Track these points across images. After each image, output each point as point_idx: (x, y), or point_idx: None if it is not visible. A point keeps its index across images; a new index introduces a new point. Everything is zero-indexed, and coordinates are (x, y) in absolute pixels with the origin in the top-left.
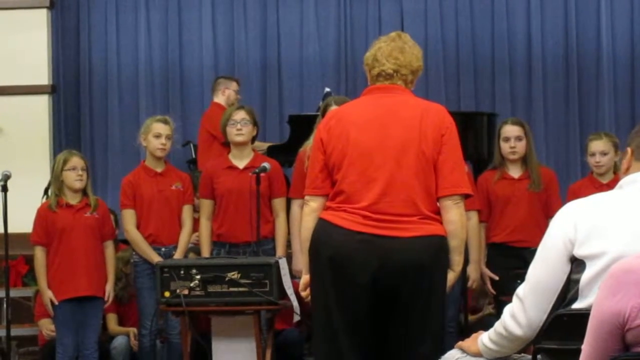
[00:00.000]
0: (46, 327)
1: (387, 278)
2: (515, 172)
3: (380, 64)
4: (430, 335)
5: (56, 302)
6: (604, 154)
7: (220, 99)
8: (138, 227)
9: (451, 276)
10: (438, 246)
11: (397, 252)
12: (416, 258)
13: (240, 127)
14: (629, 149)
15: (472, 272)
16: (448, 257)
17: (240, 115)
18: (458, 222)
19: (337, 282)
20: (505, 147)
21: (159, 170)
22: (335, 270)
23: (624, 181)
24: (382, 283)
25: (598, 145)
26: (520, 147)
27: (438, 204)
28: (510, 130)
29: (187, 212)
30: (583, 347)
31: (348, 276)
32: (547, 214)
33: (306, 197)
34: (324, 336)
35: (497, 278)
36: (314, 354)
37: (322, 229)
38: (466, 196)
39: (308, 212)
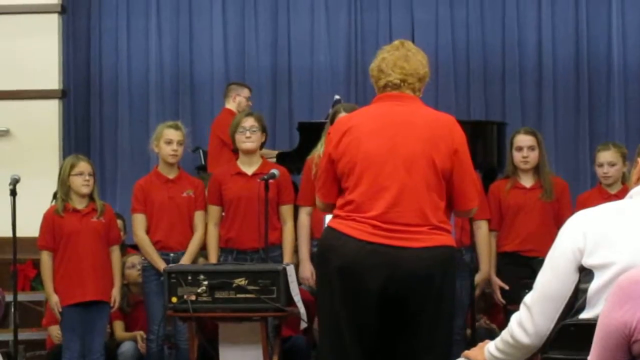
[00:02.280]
0: (56, 333)
1: (396, 288)
2: (527, 181)
3: (386, 75)
4: (438, 345)
5: (60, 308)
6: (611, 164)
7: (231, 105)
8: (147, 232)
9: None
10: (447, 257)
11: (407, 262)
12: (426, 268)
13: (249, 134)
14: (639, 160)
15: (481, 281)
16: (456, 267)
17: (249, 122)
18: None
19: (346, 291)
20: (517, 156)
21: (171, 176)
22: (344, 279)
23: (634, 191)
24: (391, 292)
25: (606, 155)
26: (533, 156)
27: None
28: (523, 139)
29: (199, 218)
30: (589, 358)
31: (357, 285)
32: (559, 224)
33: (317, 202)
34: (332, 345)
35: (507, 287)
36: (318, 353)
37: (331, 237)
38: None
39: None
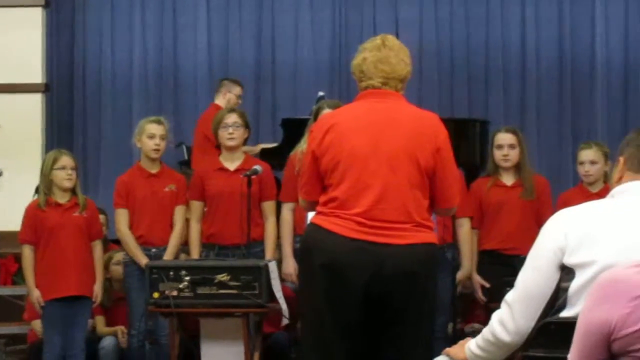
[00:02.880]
0: (39, 327)
1: (380, 284)
2: (508, 179)
3: (367, 78)
4: (419, 342)
5: (42, 302)
6: (593, 163)
7: (220, 101)
8: (130, 227)
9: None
10: (430, 254)
11: (391, 258)
12: (410, 265)
13: (232, 130)
14: (621, 159)
15: (462, 278)
16: (438, 265)
17: (232, 118)
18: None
19: (330, 287)
20: (498, 154)
21: (153, 171)
22: (328, 276)
23: (616, 190)
24: (375, 289)
25: (588, 154)
26: (514, 154)
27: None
28: (504, 137)
29: (179, 213)
30: (569, 356)
31: (341, 282)
32: (539, 222)
33: (300, 200)
34: (314, 342)
35: (488, 285)
36: (304, 359)
37: (315, 234)
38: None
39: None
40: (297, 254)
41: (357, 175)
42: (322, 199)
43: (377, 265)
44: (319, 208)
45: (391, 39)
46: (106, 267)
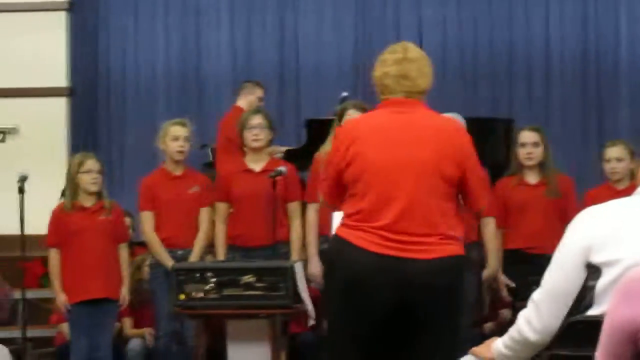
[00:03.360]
0: (66, 330)
1: (405, 299)
2: (532, 178)
3: (389, 91)
4: (444, 356)
5: (68, 306)
6: (619, 160)
7: (242, 103)
8: (155, 229)
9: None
10: (458, 267)
11: (417, 274)
12: (436, 280)
13: (257, 132)
14: None
15: (488, 277)
16: (460, 279)
17: (257, 120)
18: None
19: (353, 301)
20: (522, 153)
21: (177, 173)
22: (351, 290)
23: None
24: (399, 304)
25: (614, 151)
26: (537, 153)
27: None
28: (527, 136)
29: (204, 214)
30: (596, 354)
31: (365, 297)
32: (564, 221)
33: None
34: (337, 353)
35: (513, 285)
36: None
37: (340, 247)
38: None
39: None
40: (322, 259)
41: (381, 188)
42: (347, 210)
43: (402, 280)
44: (344, 219)
45: (412, 50)
46: (139, 268)
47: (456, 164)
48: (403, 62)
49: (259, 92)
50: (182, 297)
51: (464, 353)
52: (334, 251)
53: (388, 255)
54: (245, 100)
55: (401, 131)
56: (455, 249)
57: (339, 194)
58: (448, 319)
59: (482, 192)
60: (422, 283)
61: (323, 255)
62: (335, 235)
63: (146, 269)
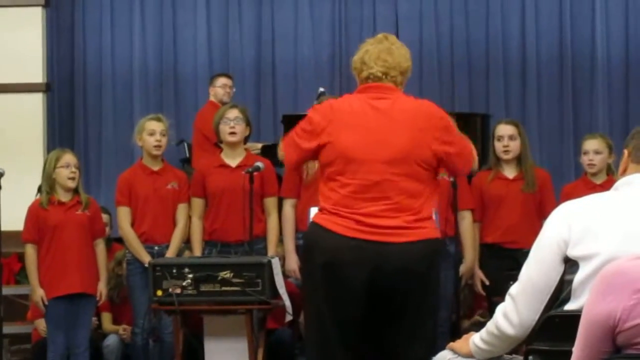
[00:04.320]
0: (43, 327)
1: (381, 283)
2: (509, 172)
3: (369, 67)
4: (423, 338)
5: (46, 301)
6: (597, 152)
7: (212, 97)
8: (132, 224)
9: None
10: (431, 250)
11: (392, 257)
12: (410, 263)
13: (233, 125)
14: (625, 151)
15: (466, 272)
16: (440, 260)
17: (234, 113)
18: None
19: (330, 286)
20: (498, 146)
21: (155, 168)
22: (328, 275)
23: (620, 182)
24: (376, 287)
25: (592, 144)
26: (514, 146)
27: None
28: (504, 129)
29: (181, 211)
30: (574, 349)
31: (341, 281)
32: (541, 215)
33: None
34: (316, 339)
35: (487, 282)
36: (307, 357)
37: (316, 233)
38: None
39: None
40: (300, 251)
41: (357, 173)
42: (325, 194)
43: (377, 263)
44: (321, 204)
45: (393, 37)
46: (119, 264)
47: (435, 144)
48: (384, 41)
49: (219, 82)
50: (159, 293)
51: (442, 348)
52: (311, 237)
53: (362, 238)
54: (213, 93)
55: (376, 117)
56: (430, 232)
57: (303, 163)
58: (423, 303)
59: (468, 153)
60: (396, 265)
61: (300, 252)
62: (312, 222)
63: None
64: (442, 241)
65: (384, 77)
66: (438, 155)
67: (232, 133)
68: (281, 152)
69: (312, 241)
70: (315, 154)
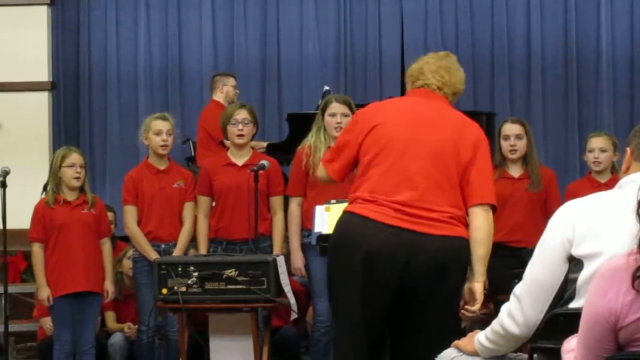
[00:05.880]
0: (48, 325)
1: (412, 271)
2: (515, 171)
3: (425, 78)
4: (445, 337)
5: (51, 300)
6: (602, 150)
7: (219, 96)
8: (138, 223)
9: (478, 287)
10: (463, 248)
11: (426, 247)
12: (442, 258)
13: (241, 127)
14: (628, 149)
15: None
16: (467, 261)
17: (242, 114)
18: (487, 228)
19: (366, 278)
20: (505, 145)
21: (161, 167)
22: (364, 266)
23: (623, 181)
24: (406, 280)
25: (597, 141)
26: (521, 145)
27: (468, 211)
28: (511, 128)
29: (188, 209)
30: (576, 347)
31: (377, 270)
32: (546, 214)
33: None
34: (348, 329)
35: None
36: (336, 346)
37: (352, 221)
38: (493, 209)
39: None
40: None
41: (397, 163)
42: (359, 186)
43: (412, 252)
44: (357, 193)
45: (454, 57)
46: (120, 261)
47: (472, 152)
48: (445, 58)
49: (231, 82)
50: (165, 291)
51: (447, 346)
52: (345, 227)
53: (399, 226)
54: (221, 93)
55: (424, 111)
56: (461, 230)
57: (345, 169)
58: (448, 298)
59: (491, 185)
60: (429, 257)
61: (331, 244)
62: (346, 212)
63: (126, 262)
64: (473, 247)
65: (437, 90)
66: (462, 165)
67: (240, 135)
68: (324, 174)
69: (346, 231)
70: (357, 154)
